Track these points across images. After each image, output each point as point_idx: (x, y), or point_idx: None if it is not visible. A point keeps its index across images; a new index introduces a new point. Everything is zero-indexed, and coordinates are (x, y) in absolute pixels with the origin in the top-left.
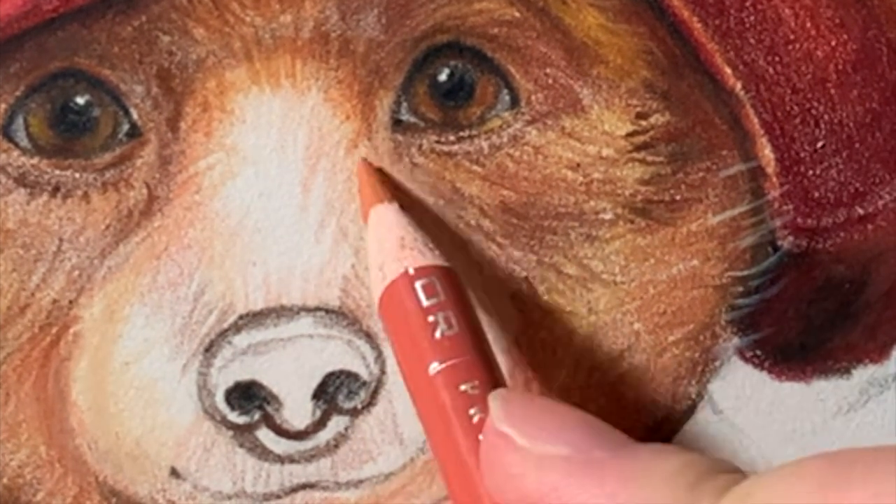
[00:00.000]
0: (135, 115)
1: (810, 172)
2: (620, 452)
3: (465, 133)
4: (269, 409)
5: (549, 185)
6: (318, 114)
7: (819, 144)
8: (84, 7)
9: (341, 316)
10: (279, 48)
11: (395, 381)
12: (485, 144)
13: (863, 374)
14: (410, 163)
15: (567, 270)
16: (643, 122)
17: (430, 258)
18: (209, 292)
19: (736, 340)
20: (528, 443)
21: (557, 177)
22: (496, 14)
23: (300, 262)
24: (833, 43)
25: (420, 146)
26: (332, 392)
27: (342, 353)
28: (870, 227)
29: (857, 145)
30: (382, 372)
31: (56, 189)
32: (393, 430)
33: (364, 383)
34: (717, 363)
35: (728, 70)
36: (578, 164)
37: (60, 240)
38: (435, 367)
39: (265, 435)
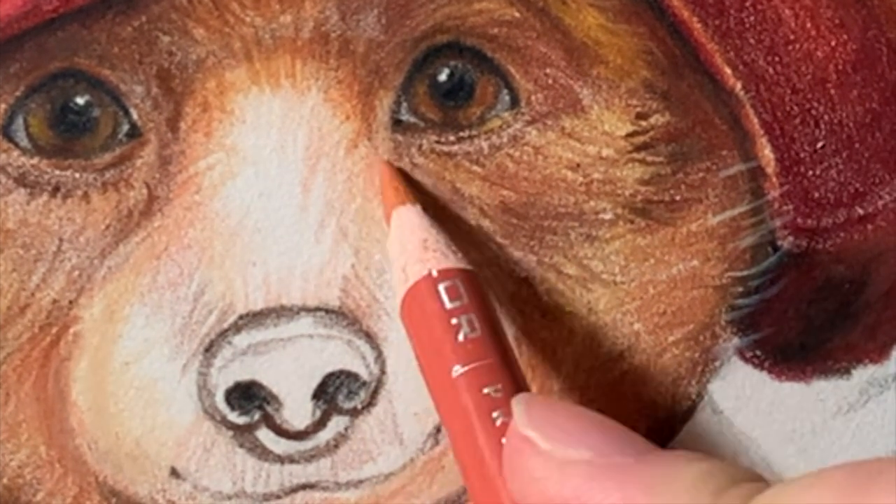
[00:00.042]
0: (135, 116)
1: (810, 172)
2: (643, 458)
3: (465, 133)
4: (269, 409)
5: (549, 186)
6: (318, 114)
7: (819, 144)
8: (84, 7)
9: (341, 316)
10: (279, 48)
11: (395, 382)
12: (485, 144)
13: (863, 374)
14: (410, 163)
15: (567, 270)
16: (643, 123)
17: (454, 261)
18: (209, 292)
19: (736, 340)
20: (551, 447)
21: (557, 177)
22: (496, 14)
23: (300, 262)
24: (833, 43)
25: (420, 146)
26: (332, 392)
27: (342, 353)
28: (870, 227)
29: (857, 145)
30: (382, 372)
31: (56, 189)
32: (393, 430)
33: (364, 383)
34: (717, 363)
35: (728, 70)
36: (578, 165)
37: (60, 240)
38: (458, 370)
39: (265, 435)
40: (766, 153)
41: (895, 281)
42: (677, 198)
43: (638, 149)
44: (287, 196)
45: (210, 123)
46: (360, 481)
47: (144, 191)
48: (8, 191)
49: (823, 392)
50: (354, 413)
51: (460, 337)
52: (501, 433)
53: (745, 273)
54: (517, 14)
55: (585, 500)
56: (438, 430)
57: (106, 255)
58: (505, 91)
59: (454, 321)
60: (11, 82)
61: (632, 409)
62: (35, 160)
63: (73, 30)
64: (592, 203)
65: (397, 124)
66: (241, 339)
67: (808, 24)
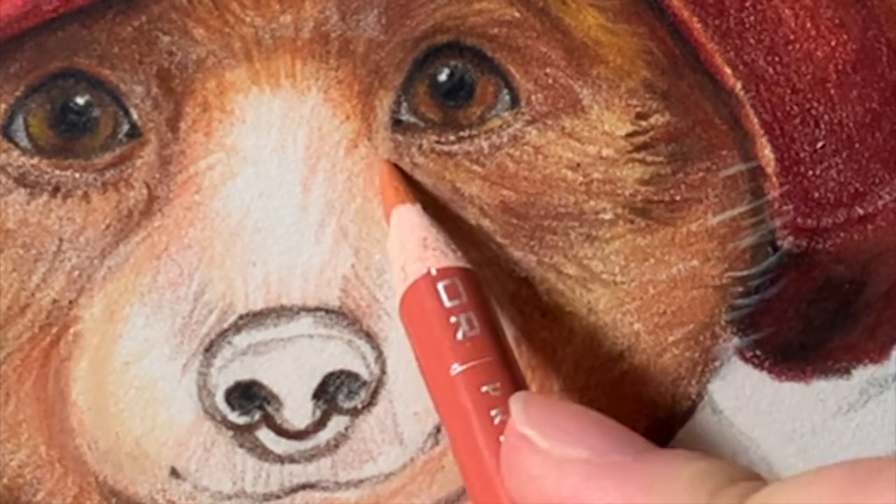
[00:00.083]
0: (135, 115)
1: (810, 172)
2: (641, 457)
3: (465, 133)
4: (270, 409)
5: (549, 185)
6: (318, 114)
7: (819, 144)
8: (84, 7)
9: (341, 316)
10: (279, 48)
11: (395, 381)
12: (485, 144)
13: (863, 374)
14: (410, 163)
15: (567, 270)
16: (643, 122)
17: (453, 259)
18: (209, 292)
19: (736, 340)
20: (548, 445)
21: (557, 177)
22: (496, 14)
23: (300, 262)
24: (833, 43)
25: (420, 146)
26: (332, 392)
27: (342, 353)
28: (870, 227)
29: (857, 145)
30: (382, 372)
31: (56, 189)
32: (393, 430)
33: (364, 383)
34: (717, 363)
35: (728, 70)
36: (578, 164)
37: (60, 240)
38: (456, 368)
39: (265, 435)
40: (766, 153)
41: (895, 281)
42: (677, 198)
43: (638, 149)
44: (287, 196)
45: (210, 123)
46: (361, 481)
47: (144, 191)
48: (8, 191)
49: (823, 392)
50: (354, 413)
51: (459, 335)
52: (500, 431)
53: (745, 273)
54: (517, 14)
55: (583, 499)
56: (438, 429)
57: (106, 255)
58: (505, 91)
59: (453, 319)
60: (11, 82)
61: (632, 409)
62: (35, 160)
63: (73, 30)
64: (592, 203)
65: (397, 124)
66: (242, 339)
67: (808, 24)
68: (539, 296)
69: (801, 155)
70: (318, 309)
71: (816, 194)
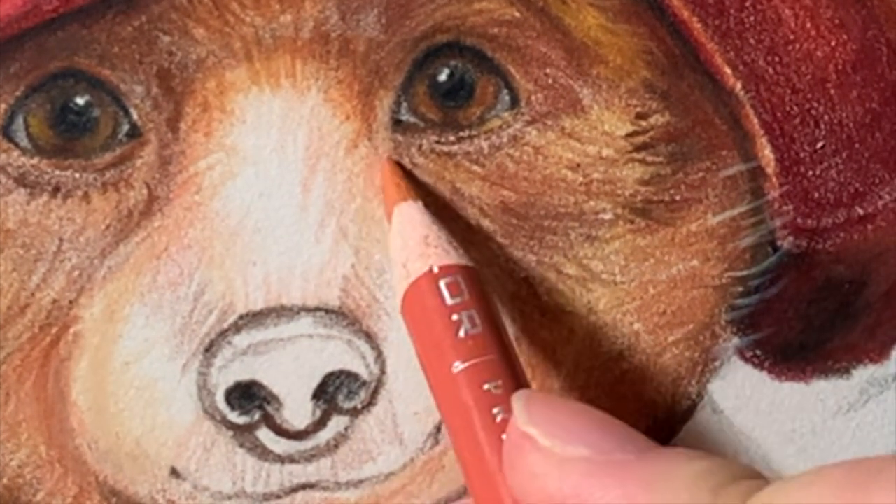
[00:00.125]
0: (135, 115)
1: (810, 172)
2: (643, 455)
3: (465, 133)
4: (270, 408)
5: (549, 185)
6: (318, 114)
7: (819, 144)
8: (84, 7)
9: (341, 316)
10: (279, 48)
11: (395, 381)
12: (485, 144)
13: (863, 374)
14: (410, 163)
15: (567, 270)
16: (643, 122)
17: (455, 257)
18: (209, 292)
19: (736, 340)
20: (550, 443)
21: (557, 177)
22: (496, 14)
23: (300, 262)
24: (833, 43)
25: (420, 146)
26: (332, 392)
27: (342, 353)
28: (870, 227)
29: (857, 145)
30: (382, 372)
31: (56, 189)
32: (393, 430)
33: (364, 383)
34: (717, 363)
35: (728, 70)
36: (578, 164)
37: (60, 240)
38: (458, 366)
39: (265, 435)
40: (766, 153)
41: (895, 281)
42: (677, 198)
43: (638, 149)
44: (287, 196)
45: (210, 123)
46: (360, 481)
47: (144, 191)
48: (8, 191)
49: (823, 392)
50: (354, 413)
51: (461, 333)
52: (502, 430)
53: (745, 273)
54: (517, 14)
55: (585, 497)
56: (438, 429)
57: (106, 255)
58: (505, 91)
59: (455, 317)
60: (11, 82)
61: (632, 408)
62: (35, 160)
63: (73, 30)
64: (592, 203)
65: (397, 124)
66: (242, 339)
67: (808, 24)
68: (539, 295)
69: (801, 155)
70: (318, 309)
71: (816, 194)
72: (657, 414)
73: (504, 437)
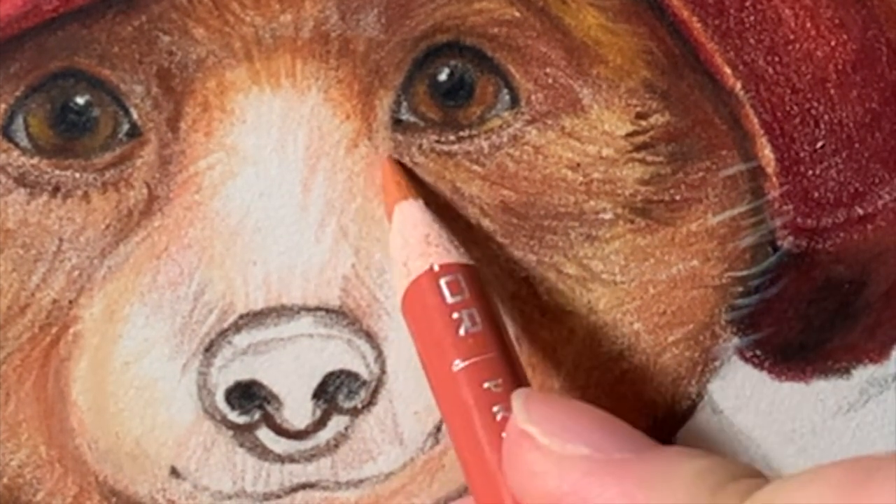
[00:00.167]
0: (135, 115)
1: (810, 172)
2: (642, 454)
3: (465, 133)
4: (270, 408)
5: (549, 185)
6: (318, 114)
7: (819, 144)
8: (84, 7)
9: (341, 315)
10: (279, 48)
11: (395, 381)
12: (485, 144)
13: (863, 374)
14: (411, 162)
15: (567, 270)
16: (643, 122)
17: (456, 255)
18: (209, 292)
19: (736, 340)
20: (549, 441)
21: (557, 177)
22: (496, 14)
23: (300, 262)
24: (833, 43)
25: (420, 146)
26: (332, 392)
27: (342, 353)
28: (870, 227)
29: (857, 145)
30: (382, 371)
31: (56, 189)
32: (393, 429)
33: (364, 383)
34: (717, 363)
35: (728, 70)
36: (578, 164)
37: (60, 240)
38: (458, 364)
39: (265, 434)
40: (766, 153)
41: (895, 281)
42: (677, 198)
43: (638, 148)
44: (287, 196)
45: (210, 123)
46: (361, 481)
47: (144, 190)
48: (8, 191)
49: (823, 392)
50: (354, 412)
51: (461, 331)
52: (501, 428)
53: (745, 273)
54: (517, 14)
55: (584, 495)
56: (439, 429)
57: (106, 254)
58: (505, 91)
59: (455, 315)
60: (11, 82)
61: (632, 408)
62: (35, 160)
63: (73, 30)
64: (592, 203)
65: (397, 124)
66: (242, 339)
67: (808, 24)
68: (539, 295)
69: (801, 155)
70: (318, 308)
71: (816, 194)
72: (657, 414)
73: (504, 435)
